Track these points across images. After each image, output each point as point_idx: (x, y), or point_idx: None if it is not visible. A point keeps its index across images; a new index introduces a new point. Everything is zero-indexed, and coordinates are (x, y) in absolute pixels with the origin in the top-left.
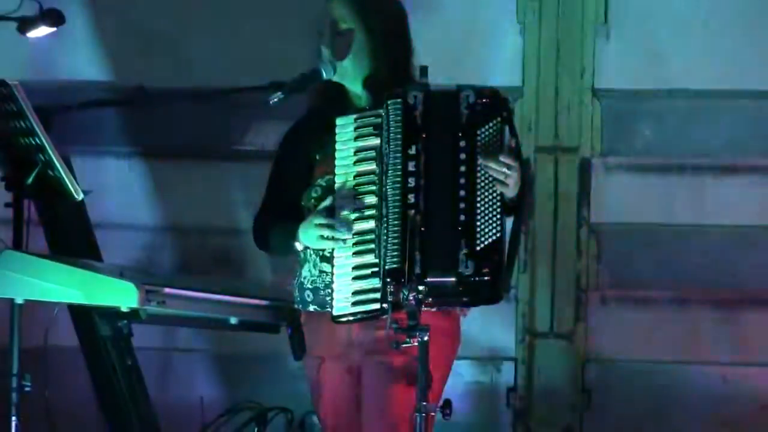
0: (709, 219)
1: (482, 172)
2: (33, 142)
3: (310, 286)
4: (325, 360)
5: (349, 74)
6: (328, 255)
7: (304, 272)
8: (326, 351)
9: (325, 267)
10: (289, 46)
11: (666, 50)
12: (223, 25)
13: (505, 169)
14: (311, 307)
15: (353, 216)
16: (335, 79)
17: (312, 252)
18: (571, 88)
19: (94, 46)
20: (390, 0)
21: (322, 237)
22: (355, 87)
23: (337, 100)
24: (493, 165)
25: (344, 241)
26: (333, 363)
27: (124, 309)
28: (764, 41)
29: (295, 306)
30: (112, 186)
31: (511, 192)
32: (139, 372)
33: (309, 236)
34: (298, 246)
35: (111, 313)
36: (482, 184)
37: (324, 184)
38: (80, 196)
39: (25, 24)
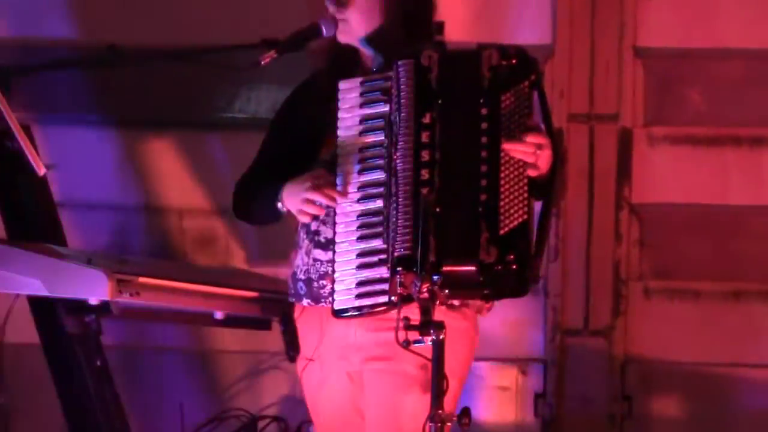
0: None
1: (507, 143)
2: None
3: (302, 277)
4: (322, 362)
5: (355, 31)
6: (323, 241)
7: (297, 260)
8: (323, 352)
9: (319, 255)
10: (286, 3)
11: (720, 3)
12: None
13: (534, 141)
14: (305, 301)
15: (357, 196)
16: (340, 37)
17: (304, 236)
18: (609, 47)
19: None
20: None
21: (305, 201)
22: (364, 46)
23: (348, 62)
24: (519, 138)
25: (329, 200)
26: (331, 366)
27: (92, 302)
28: None
29: (289, 298)
30: (80, 159)
31: (540, 169)
32: (109, 374)
33: (290, 198)
34: (279, 206)
35: (77, 307)
36: (507, 158)
37: (329, 159)
38: (42, 171)
39: None
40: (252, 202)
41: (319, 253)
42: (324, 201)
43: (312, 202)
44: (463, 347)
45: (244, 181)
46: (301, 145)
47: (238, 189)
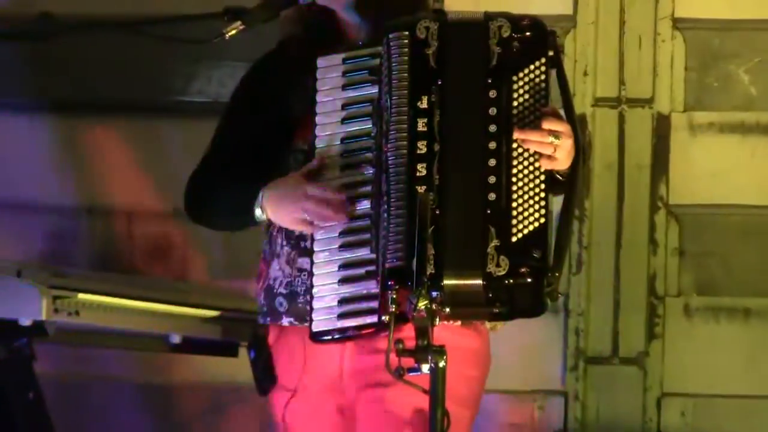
0: None
1: (519, 133)
2: None
3: (283, 291)
4: (307, 396)
5: None
6: (308, 247)
7: (274, 271)
8: (308, 383)
9: (305, 264)
10: None
11: None
12: None
13: (551, 128)
14: (285, 320)
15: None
16: (321, 2)
17: (284, 242)
18: (642, 18)
19: None
20: None
21: (303, 210)
22: (349, 15)
23: (326, 31)
24: (534, 125)
25: (335, 216)
26: (318, 399)
27: (23, 322)
28: None
29: (260, 319)
30: (7, 151)
31: (559, 162)
32: (45, 409)
33: (282, 206)
34: (259, 213)
35: (5, 328)
36: (520, 149)
37: (306, 149)
38: None
39: None
40: (214, 202)
41: (305, 262)
42: (326, 222)
43: (311, 219)
44: (477, 371)
45: (201, 176)
46: (268, 130)
47: (193, 185)
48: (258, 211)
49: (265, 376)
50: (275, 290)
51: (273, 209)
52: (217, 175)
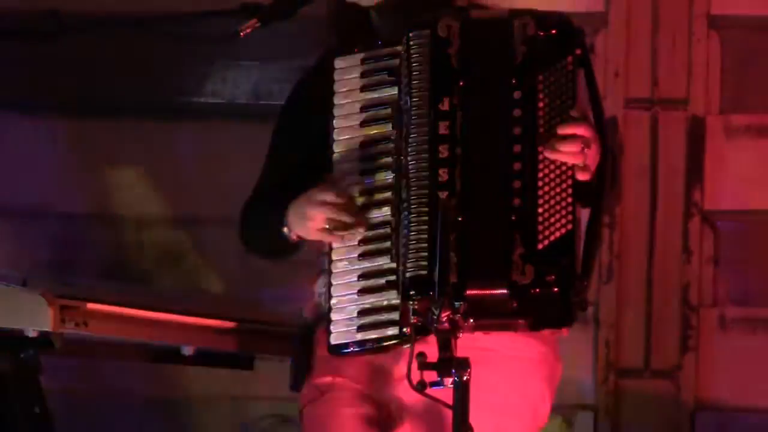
0: None
1: (545, 136)
2: None
3: (324, 303)
4: (333, 401)
5: None
6: (329, 251)
7: (320, 288)
8: (336, 388)
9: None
10: None
11: None
12: None
13: (580, 133)
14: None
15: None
16: None
17: (329, 260)
18: (676, 16)
19: None
20: None
21: (321, 220)
22: (375, 9)
23: (358, 31)
24: (561, 133)
25: (353, 234)
26: (342, 408)
27: (29, 333)
28: None
29: (308, 324)
30: (14, 155)
31: (587, 170)
32: (51, 422)
33: (303, 219)
34: (286, 231)
35: (11, 340)
36: (546, 152)
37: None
38: None
39: None
40: (257, 229)
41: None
42: (343, 230)
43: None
44: (537, 381)
45: (251, 203)
46: (313, 145)
47: (244, 214)
48: (285, 230)
49: (301, 372)
50: (323, 307)
51: (296, 224)
52: (263, 203)
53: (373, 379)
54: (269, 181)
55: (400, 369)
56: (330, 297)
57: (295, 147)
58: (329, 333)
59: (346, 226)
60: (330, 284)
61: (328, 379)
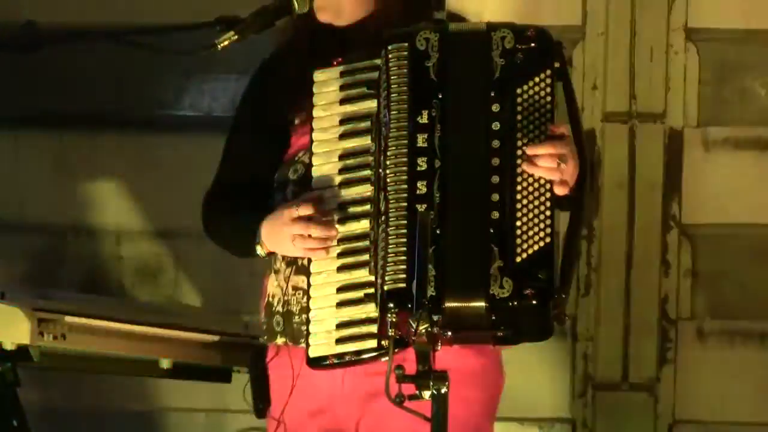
0: None
1: (523, 149)
2: None
3: (280, 309)
4: (292, 425)
5: (339, 7)
6: (306, 265)
7: (272, 287)
8: (291, 412)
9: (300, 282)
10: None
11: None
12: None
13: (555, 149)
14: (280, 339)
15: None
16: (320, 15)
17: (282, 258)
18: (654, 29)
19: None
20: None
21: (296, 238)
22: (347, 26)
23: (319, 47)
24: (540, 146)
25: (327, 251)
26: (311, 425)
27: (6, 346)
28: None
29: (261, 339)
30: None
31: (565, 184)
32: None
33: (277, 237)
34: (260, 250)
35: None
36: (525, 164)
37: (307, 161)
38: None
39: None
40: (226, 228)
41: (300, 280)
42: (315, 244)
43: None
44: (477, 392)
45: (211, 201)
46: (270, 149)
47: (205, 210)
48: (259, 249)
49: (260, 397)
50: (273, 308)
51: (270, 242)
52: (226, 199)
53: (332, 407)
54: (227, 177)
55: (352, 384)
56: (309, 309)
57: (256, 135)
58: (308, 345)
59: (320, 244)
60: (309, 297)
61: (281, 408)
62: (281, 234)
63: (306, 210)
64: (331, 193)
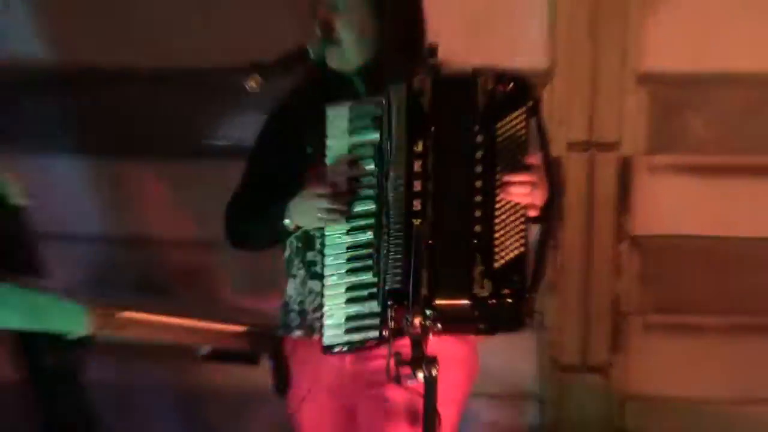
0: None
1: (502, 175)
2: None
3: (296, 308)
4: (314, 396)
5: (347, 56)
6: (320, 271)
7: (290, 289)
8: (315, 385)
9: (315, 285)
10: (273, 19)
11: (726, 26)
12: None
13: (528, 179)
14: (296, 333)
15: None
16: (330, 62)
17: (300, 266)
18: (610, 72)
19: (33, 17)
20: None
21: (323, 209)
22: (354, 73)
23: (332, 88)
24: (515, 174)
25: (346, 219)
26: (323, 399)
27: (72, 336)
28: None
29: (278, 331)
30: (58, 189)
31: (535, 207)
32: (92, 411)
33: (304, 210)
34: (288, 223)
35: (57, 342)
36: (502, 189)
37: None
38: (21, 204)
39: None
40: (250, 226)
41: (315, 285)
42: (335, 215)
43: (330, 215)
44: (461, 373)
45: (234, 209)
46: (287, 169)
47: (229, 217)
48: (287, 221)
49: (281, 380)
50: (289, 306)
51: (297, 215)
52: (248, 206)
53: (340, 384)
54: (248, 191)
55: (365, 373)
56: (322, 305)
57: (270, 166)
58: (322, 335)
59: (337, 215)
60: (323, 295)
61: (306, 384)
62: (308, 207)
63: (327, 189)
64: (344, 178)
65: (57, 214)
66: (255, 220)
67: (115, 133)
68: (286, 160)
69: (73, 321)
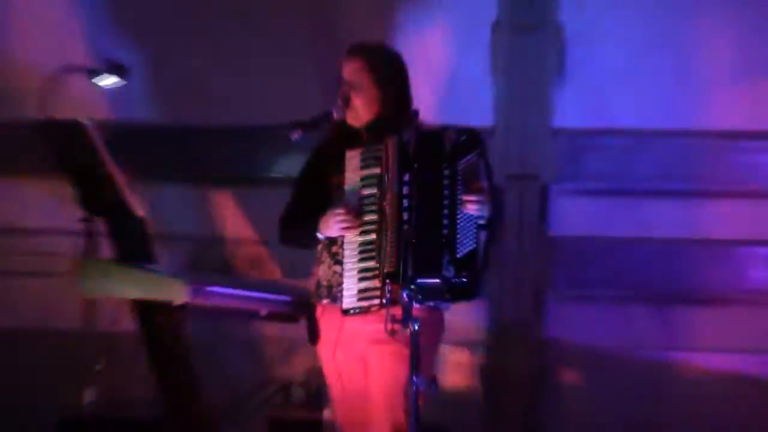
0: (645, 233)
1: (461, 196)
2: (103, 171)
3: (325, 284)
4: (337, 345)
5: (359, 117)
6: (340, 259)
7: (320, 272)
8: (341, 342)
9: (337, 269)
10: (308, 91)
11: (611, 96)
12: (254, 77)
13: (480, 198)
14: (325, 301)
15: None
16: (347, 121)
17: (327, 256)
18: (534, 127)
19: (150, 93)
20: (395, 55)
21: (340, 222)
22: (363, 128)
23: (349, 138)
24: (470, 195)
25: (355, 226)
26: (344, 348)
27: (176, 303)
28: (691, 88)
29: (312, 300)
30: (165, 205)
31: (485, 212)
32: (189, 353)
33: (327, 224)
34: (320, 236)
35: (166, 307)
36: (462, 205)
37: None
38: (141, 214)
39: (94, 74)
40: (296, 233)
41: (338, 268)
42: (347, 225)
43: (345, 226)
44: (435, 331)
45: (286, 219)
46: (319, 193)
47: (283, 224)
48: (319, 234)
49: (313, 334)
50: (320, 283)
51: (324, 228)
52: (294, 219)
53: (355, 337)
54: (298, 204)
55: (370, 332)
56: (342, 282)
57: (309, 190)
58: (342, 302)
59: (351, 225)
60: (343, 275)
61: (331, 336)
62: (330, 222)
63: (343, 210)
64: (355, 205)
65: (164, 221)
66: (297, 229)
67: (202, 168)
68: (319, 187)
69: (177, 292)
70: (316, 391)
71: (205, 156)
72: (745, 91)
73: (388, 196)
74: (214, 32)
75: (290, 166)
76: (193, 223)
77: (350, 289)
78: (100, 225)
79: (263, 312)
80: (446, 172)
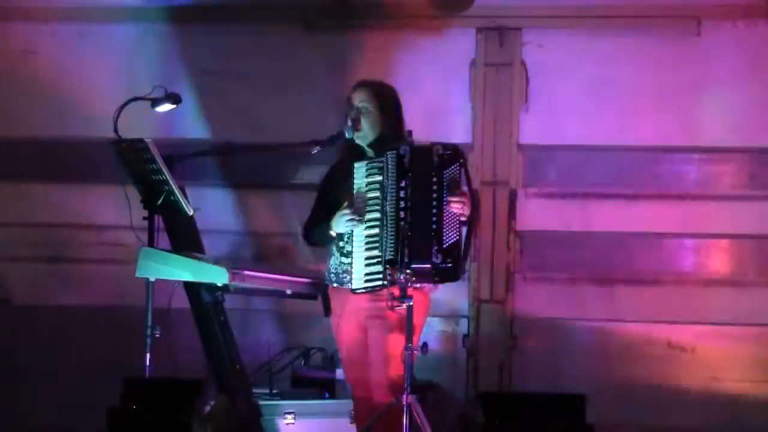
0: (592, 228)
1: (447, 198)
2: (161, 178)
3: (334, 272)
4: (344, 318)
5: (365, 136)
6: (347, 252)
7: (331, 262)
8: (345, 314)
9: (345, 261)
10: (325, 117)
11: (564, 120)
12: (282, 105)
13: (461, 200)
14: (335, 284)
15: (365, 222)
16: (356, 140)
17: (336, 250)
18: (504, 144)
19: (199, 116)
20: (392, 89)
21: (347, 220)
22: (367, 144)
23: (356, 153)
24: (454, 197)
25: (360, 222)
26: (349, 320)
27: (218, 284)
28: (626, 113)
29: (326, 282)
30: (210, 205)
31: (465, 215)
32: (229, 324)
33: (338, 223)
34: (332, 233)
35: (210, 287)
36: (447, 206)
37: (348, 206)
38: (191, 212)
39: (155, 102)
40: (316, 234)
41: (344, 259)
42: (354, 223)
43: (352, 222)
44: (422, 309)
45: (309, 224)
46: (335, 199)
47: (307, 228)
48: (331, 232)
49: (327, 308)
50: (331, 271)
51: (335, 225)
52: (315, 223)
53: (357, 312)
54: (317, 214)
55: (372, 308)
56: (351, 267)
57: (327, 198)
58: (351, 282)
59: (357, 223)
60: (351, 262)
61: (339, 312)
62: (340, 220)
63: (349, 209)
64: (360, 206)
65: (210, 218)
66: (317, 232)
67: (241, 176)
68: (333, 201)
69: (219, 275)
70: (331, 355)
71: (244, 166)
72: (667, 114)
73: (389, 199)
74: (252, 70)
75: (310, 174)
76: (232, 221)
77: (358, 273)
78: (159, 222)
79: (288, 291)
80: (435, 180)
